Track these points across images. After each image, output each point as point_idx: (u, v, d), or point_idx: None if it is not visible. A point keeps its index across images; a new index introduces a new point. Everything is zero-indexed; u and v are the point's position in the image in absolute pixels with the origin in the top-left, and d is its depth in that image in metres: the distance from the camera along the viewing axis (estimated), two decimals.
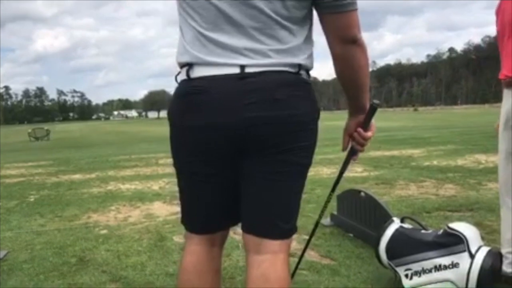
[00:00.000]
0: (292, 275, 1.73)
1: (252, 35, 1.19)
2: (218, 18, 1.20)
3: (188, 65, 1.25)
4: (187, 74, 1.25)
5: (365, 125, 1.40)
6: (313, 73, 1.34)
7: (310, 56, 1.29)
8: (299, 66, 1.24)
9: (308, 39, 1.27)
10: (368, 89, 1.35)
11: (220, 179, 1.33)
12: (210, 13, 1.21)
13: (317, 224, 1.70)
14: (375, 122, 1.43)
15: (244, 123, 1.19)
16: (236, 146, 1.25)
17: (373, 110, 1.38)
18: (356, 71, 1.29)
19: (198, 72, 1.24)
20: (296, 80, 1.24)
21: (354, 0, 1.20)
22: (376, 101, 1.39)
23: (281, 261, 1.27)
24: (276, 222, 1.29)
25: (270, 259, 1.27)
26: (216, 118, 1.21)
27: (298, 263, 1.81)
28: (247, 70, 1.19)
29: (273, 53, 1.20)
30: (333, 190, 1.62)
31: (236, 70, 1.19)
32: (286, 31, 1.21)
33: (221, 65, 1.20)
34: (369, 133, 1.41)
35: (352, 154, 1.50)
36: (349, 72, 1.30)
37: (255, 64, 1.19)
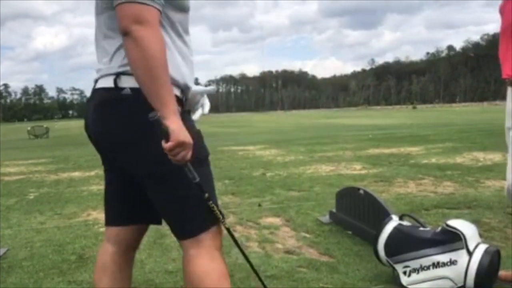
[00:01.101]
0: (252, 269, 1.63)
1: (100, 47, 1.36)
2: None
3: None
4: None
5: (161, 136, 1.21)
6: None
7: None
8: (118, 74, 1.29)
9: None
10: (155, 92, 1.19)
11: (116, 179, 1.51)
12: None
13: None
14: (176, 132, 1.19)
15: (93, 138, 1.42)
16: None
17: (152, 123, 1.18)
18: (132, 65, 1.21)
19: None
20: (113, 96, 1.30)
21: None
22: (151, 114, 1.17)
23: (189, 257, 1.37)
24: (171, 228, 1.42)
25: (185, 256, 1.40)
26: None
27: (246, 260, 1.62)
28: (97, 84, 1.36)
29: (104, 64, 1.33)
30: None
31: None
32: (109, 40, 1.31)
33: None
34: (165, 144, 1.20)
35: None
36: (131, 66, 1.22)
37: (99, 76, 1.35)
